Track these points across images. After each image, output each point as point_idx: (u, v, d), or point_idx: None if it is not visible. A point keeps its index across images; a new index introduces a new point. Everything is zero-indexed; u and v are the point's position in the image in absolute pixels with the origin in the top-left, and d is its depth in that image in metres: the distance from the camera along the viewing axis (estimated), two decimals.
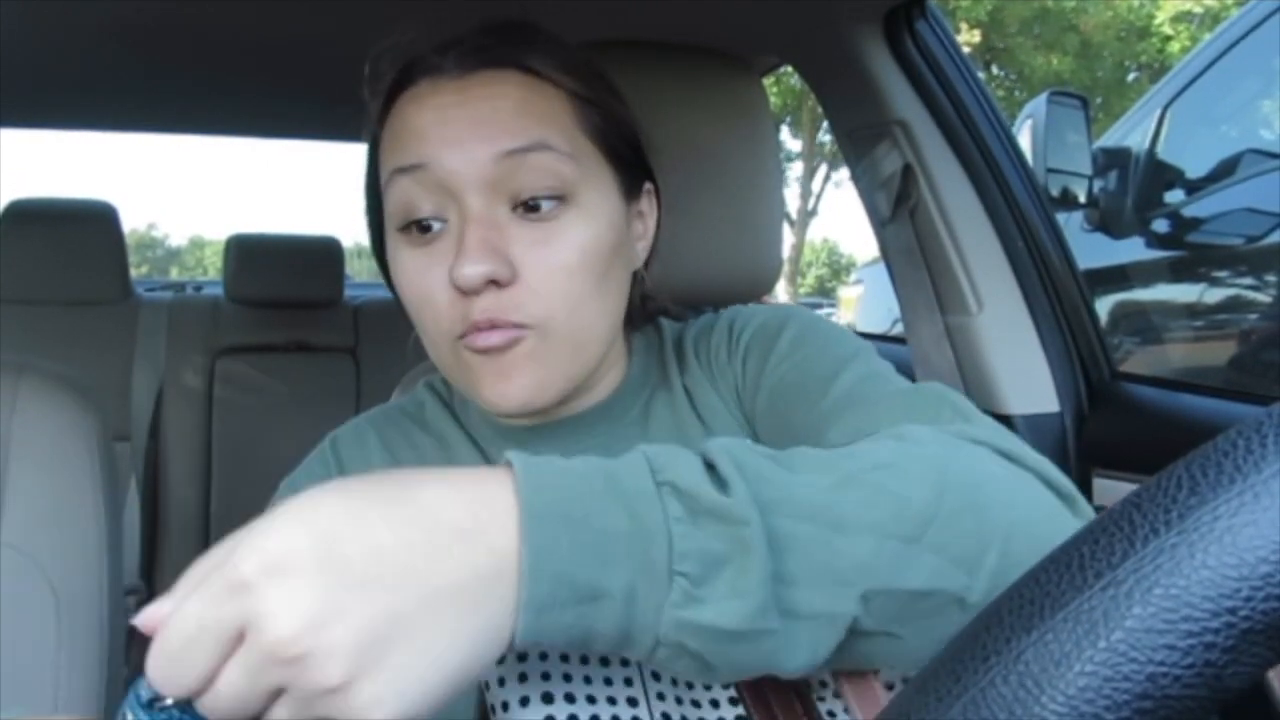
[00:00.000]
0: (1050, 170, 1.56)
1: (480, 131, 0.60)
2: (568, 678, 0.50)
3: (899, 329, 1.36)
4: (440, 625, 0.34)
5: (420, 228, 0.61)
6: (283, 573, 0.33)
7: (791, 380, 0.67)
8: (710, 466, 0.39)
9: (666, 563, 0.36)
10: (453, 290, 0.60)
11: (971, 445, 0.47)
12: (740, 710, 0.50)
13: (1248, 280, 1.89)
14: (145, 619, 0.35)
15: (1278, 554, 0.19)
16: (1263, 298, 1.83)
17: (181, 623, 0.34)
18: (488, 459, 0.71)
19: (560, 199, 0.61)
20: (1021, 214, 1.19)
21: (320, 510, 0.35)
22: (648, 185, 0.72)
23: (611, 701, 0.49)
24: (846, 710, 0.48)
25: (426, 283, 0.61)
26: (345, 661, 0.33)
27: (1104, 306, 2.07)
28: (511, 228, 0.61)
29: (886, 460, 0.43)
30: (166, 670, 0.34)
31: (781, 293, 10.99)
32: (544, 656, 0.50)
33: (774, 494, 0.39)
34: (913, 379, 0.65)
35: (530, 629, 0.36)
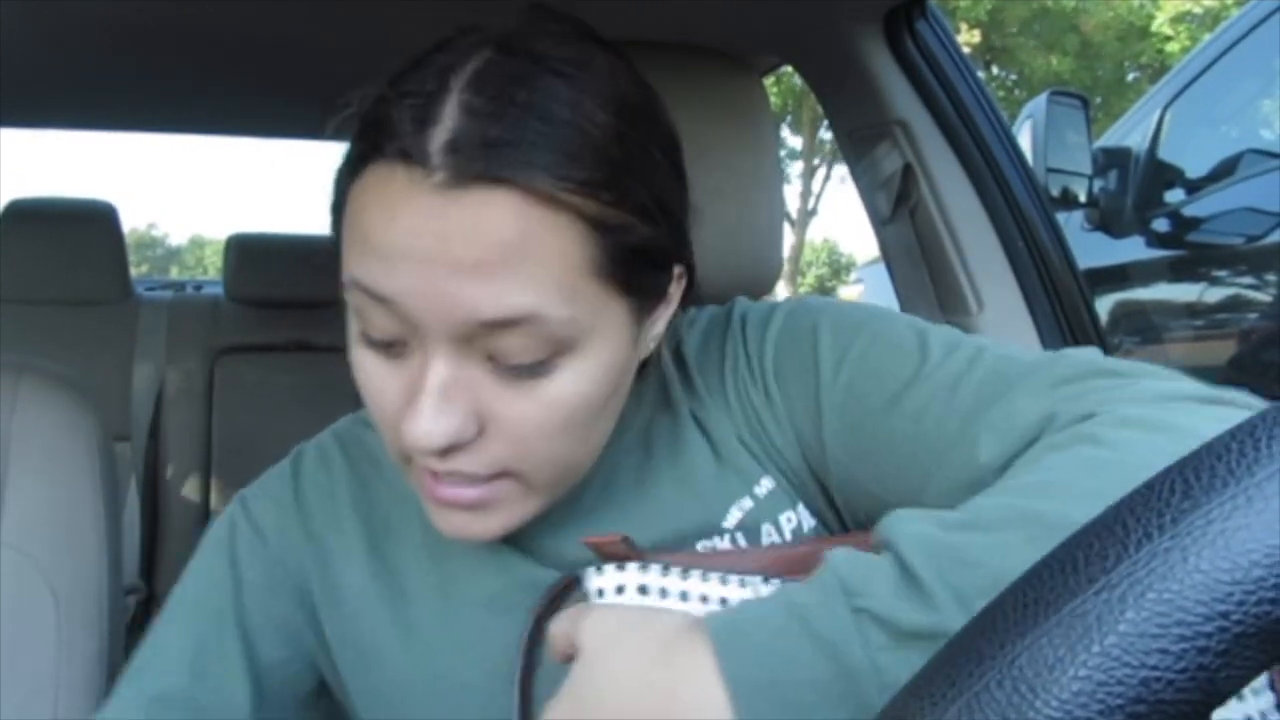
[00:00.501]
0: (1050, 170, 1.56)
1: (459, 287, 0.47)
2: None
3: None
4: None
5: (373, 338, 0.52)
6: None
7: (868, 389, 0.56)
8: (901, 561, 0.38)
9: (880, 697, 0.35)
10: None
11: (1166, 407, 0.44)
12: None
13: (1248, 280, 1.89)
14: None
15: (1270, 557, 0.19)
16: (1263, 298, 1.83)
17: None
18: None
19: (549, 357, 0.50)
20: (1021, 214, 1.19)
21: None
22: (678, 269, 0.58)
23: None
24: None
25: (380, 391, 0.52)
26: None
27: (1104, 306, 2.07)
28: (485, 381, 0.50)
29: (1082, 486, 0.40)
30: None
31: (782, 293, 10.99)
32: None
33: (975, 578, 0.37)
34: None
35: None
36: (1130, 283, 2.12)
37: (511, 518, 0.55)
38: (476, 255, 0.47)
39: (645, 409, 0.64)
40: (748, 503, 0.61)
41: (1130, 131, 2.22)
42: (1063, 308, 1.20)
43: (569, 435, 0.52)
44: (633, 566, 0.50)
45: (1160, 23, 10.81)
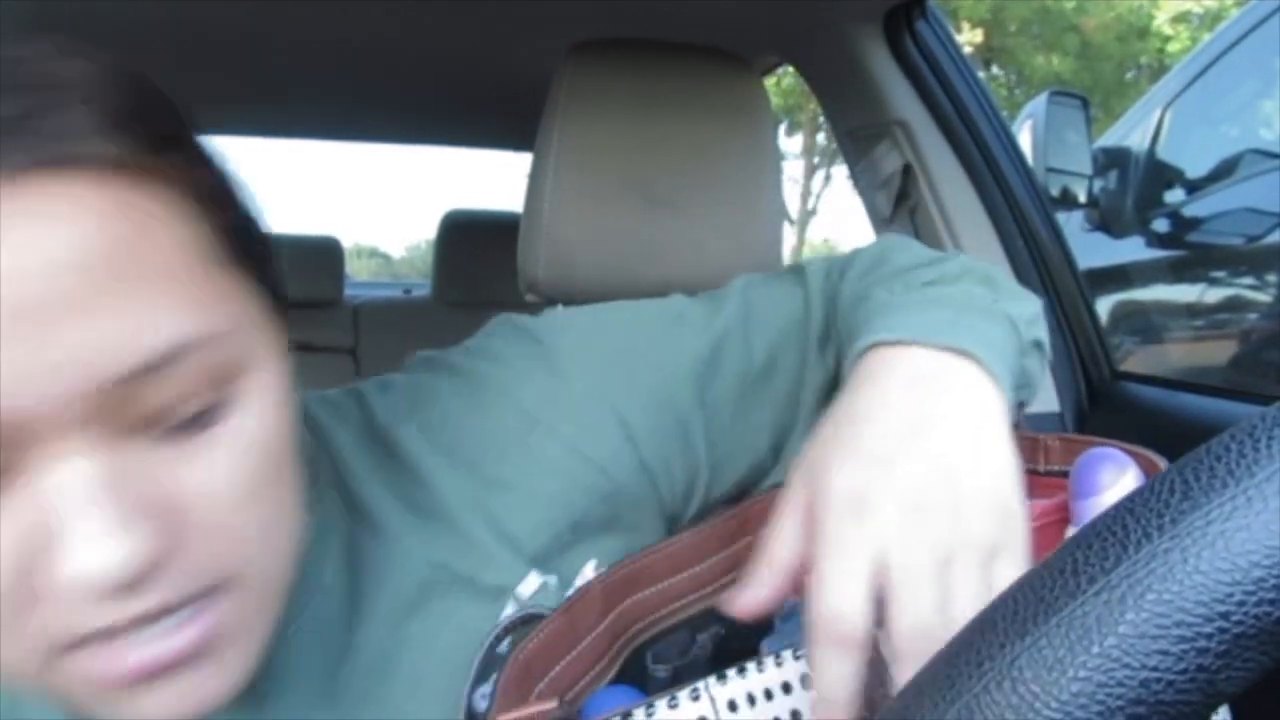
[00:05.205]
0: (1050, 170, 1.56)
1: (71, 339, 0.32)
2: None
3: None
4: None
5: None
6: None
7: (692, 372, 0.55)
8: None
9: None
10: (28, 582, 0.33)
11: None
12: None
13: (1248, 280, 1.89)
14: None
15: (1270, 558, 0.19)
16: (1263, 298, 1.83)
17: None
18: None
19: (215, 395, 0.36)
20: (1021, 214, 1.19)
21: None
22: None
23: None
24: None
25: None
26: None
27: (1104, 306, 2.07)
28: (145, 461, 0.34)
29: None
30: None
31: None
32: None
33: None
34: None
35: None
36: (1130, 283, 2.12)
37: (245, 656, 0.38)
38: (63, 286, 0.31)
39: (335, 521, 0.48)
40: (511, 611, 0.49)
41: (1130, 131, 2.22)
42: (1063, 307, 1.20)
43: (266, 502, 0.38)
44: None
45: (1160, 22, 10.81)
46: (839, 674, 0.36)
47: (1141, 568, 0.20)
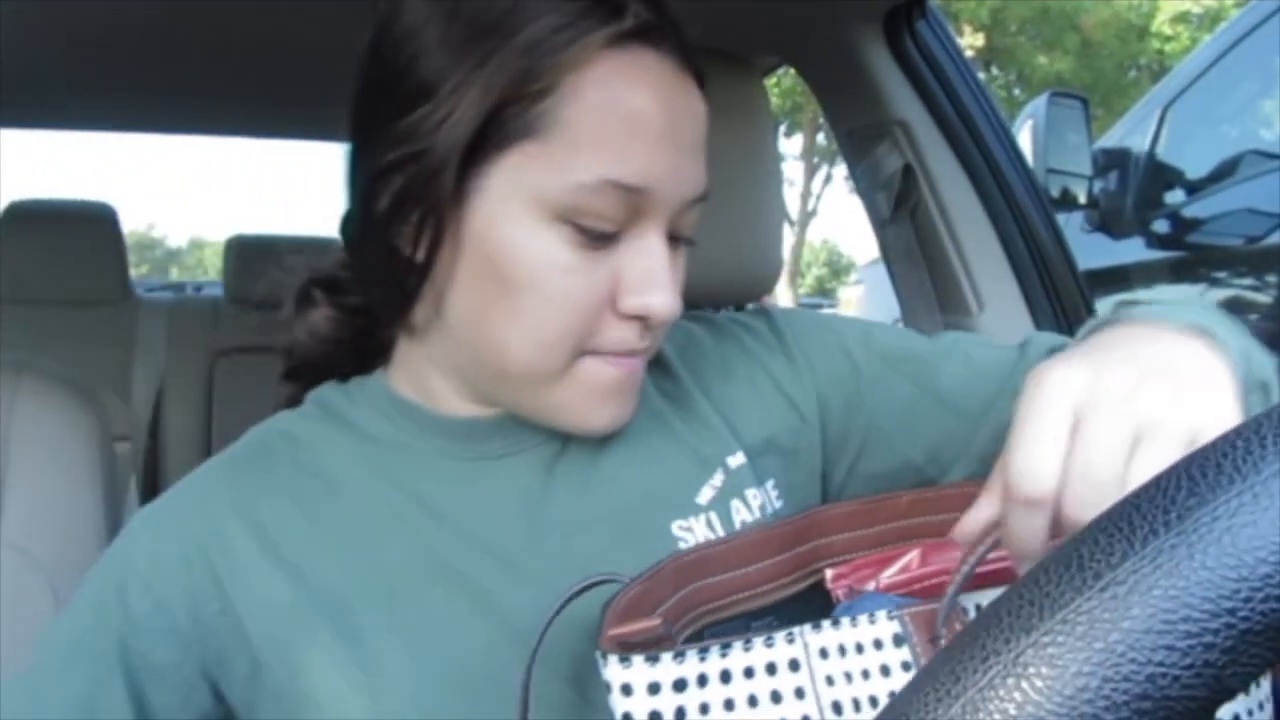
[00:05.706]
0: (1050, 170, 1.56)
1: (691, 166, 0.55)
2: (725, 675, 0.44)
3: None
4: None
5: (593, 231, 0.53)
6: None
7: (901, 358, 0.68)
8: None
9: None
10: (609, 306, 0.54)
11: None
12: None
13: (1248, 281, 1.89)
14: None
15: (1277, 555, 0.19)
16: (1263, 298, 1.83)
17: None
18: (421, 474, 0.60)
19: None
20: (1021, 214, 1.19)
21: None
22: None
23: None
24: None
25: (580, 286, 0.53)
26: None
27: (1104, 308, 2.06)
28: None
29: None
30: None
31: (782, 293, 10.99)
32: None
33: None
34: None
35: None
36: (1130, 284, 2.12)
37: (637, 397, 0.60)
38: (697, 134, 0.55)
39: None
40: (720, 478, 0.62)
41: (1130, 132, 2.22)
42: (1063, 308, 1.20)
43: None
44: (666, 658, 0.42)
45: (1160, 22, 10.81)
46: (1029, 529, 0.38)
47: (1148, 564, 0.20)
